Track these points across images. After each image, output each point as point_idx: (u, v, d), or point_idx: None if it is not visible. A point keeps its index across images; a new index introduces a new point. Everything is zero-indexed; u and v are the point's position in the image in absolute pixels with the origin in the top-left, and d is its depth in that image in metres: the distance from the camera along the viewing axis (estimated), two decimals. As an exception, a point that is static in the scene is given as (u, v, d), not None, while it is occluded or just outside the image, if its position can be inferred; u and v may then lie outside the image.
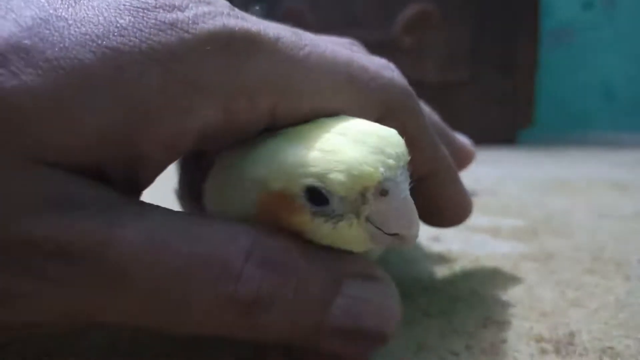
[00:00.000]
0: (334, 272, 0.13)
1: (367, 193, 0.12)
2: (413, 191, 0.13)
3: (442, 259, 0.26)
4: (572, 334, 0.17)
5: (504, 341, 0.17)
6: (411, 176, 0.13)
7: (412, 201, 0.13)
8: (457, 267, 0.25)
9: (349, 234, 0.13)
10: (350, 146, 0.12)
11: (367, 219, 0.12)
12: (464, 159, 0.25)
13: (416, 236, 0.13)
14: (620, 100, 1.54)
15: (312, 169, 0.12)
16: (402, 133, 0.13)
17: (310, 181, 0.12)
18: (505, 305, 0.20)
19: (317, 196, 0.12)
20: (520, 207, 0.40)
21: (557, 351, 0.16)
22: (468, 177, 0.58)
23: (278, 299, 0.12)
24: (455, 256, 0.27)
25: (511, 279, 0.23)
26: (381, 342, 0.13)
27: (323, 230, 0.13)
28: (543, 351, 0.16)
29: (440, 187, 0.19)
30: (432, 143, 0.18)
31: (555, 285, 0.22)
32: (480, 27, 1.04)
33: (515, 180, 0.55)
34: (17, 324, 0.11)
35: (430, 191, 0.18)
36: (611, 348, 0.16)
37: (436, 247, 0.28)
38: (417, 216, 0.13)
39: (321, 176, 0.12)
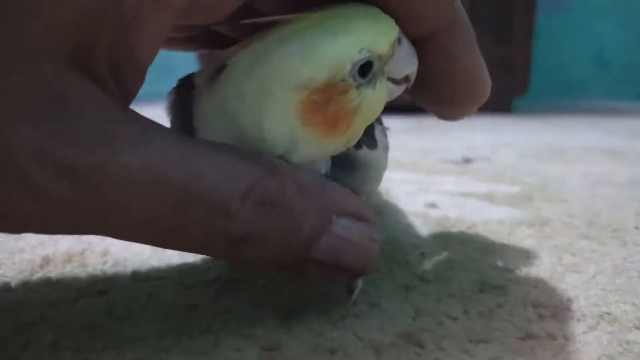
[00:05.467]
0: (326, 211, 0.13)
1: (394, 45, 0.14)
2: (427, 56, 0.16)
3: (438, 225, 0.26)
4: (569, 300, 0.17)
5: (501, 306, 0.17)
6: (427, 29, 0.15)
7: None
8: (454, 233, 0.25)
9: (381, 94, 0.14)
10: (365, 18, 0.14)
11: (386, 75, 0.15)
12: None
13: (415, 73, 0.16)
14: (616, 68, 1.53)
15: (362, 43, 0.13)
16: None
17: (361, 56, 0.13)
18: (501, 270, 0.20)
19: (365, 67, 0.13)
20: (515, 174, 0.40)
21: (555, 316, 0.16)
22: (462, 144, 0.57)
23: (269, 237, 0.12)
24: (452, 222, 0.26)
25: (507, 245, 0.23)
26: (359, 276, 0.14)
27: (366, 98, 0.14)
28: (540, 316, 0.16)
29: (455, 48, 0.16)
30: None
31: (551, 251, 0.22)
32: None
33: (510, 148, 0.55)
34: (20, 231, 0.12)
35: (444, 51, 0.16)
36: (608, 313, 0.16)
37: (433, 214, 0.28)
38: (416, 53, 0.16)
39: (370, 44, 0.13)
